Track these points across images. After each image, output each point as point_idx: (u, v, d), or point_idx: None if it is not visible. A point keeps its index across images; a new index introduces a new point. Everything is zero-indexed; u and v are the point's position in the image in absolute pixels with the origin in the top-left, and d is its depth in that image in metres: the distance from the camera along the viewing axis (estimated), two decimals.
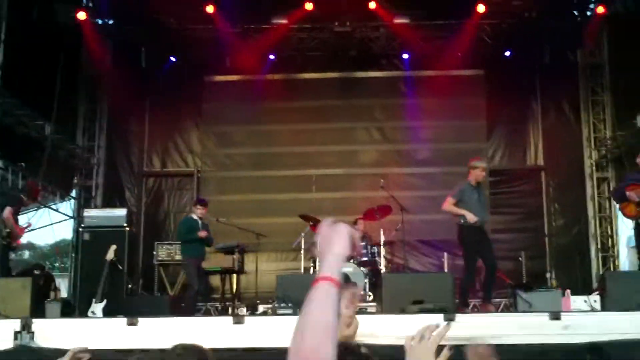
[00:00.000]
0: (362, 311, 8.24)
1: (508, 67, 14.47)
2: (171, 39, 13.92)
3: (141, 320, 5.99)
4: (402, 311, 6.49)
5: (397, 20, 13.73)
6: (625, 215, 9.23)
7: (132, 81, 14.06)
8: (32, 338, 5.75)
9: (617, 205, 10.05)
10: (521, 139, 14.65)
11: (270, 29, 13.87)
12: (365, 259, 10.83)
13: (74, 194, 14.29)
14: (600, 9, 13.38)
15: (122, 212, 12.29)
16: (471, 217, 8.69)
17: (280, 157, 14.45)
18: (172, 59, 14.40)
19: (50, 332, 5.85)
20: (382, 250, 11.21)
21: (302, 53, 14.57)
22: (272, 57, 14.46)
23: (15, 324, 5.88)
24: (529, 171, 14.62)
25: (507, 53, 14.45)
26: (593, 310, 8.13)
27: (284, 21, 13.71)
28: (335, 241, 1.81)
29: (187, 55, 14.37)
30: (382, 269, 10.97)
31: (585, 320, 5.91)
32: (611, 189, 13.68)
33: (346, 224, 1.86)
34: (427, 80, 14.62)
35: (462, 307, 8.51)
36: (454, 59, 14.22)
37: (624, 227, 13.14)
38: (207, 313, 10.84)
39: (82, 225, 12.12)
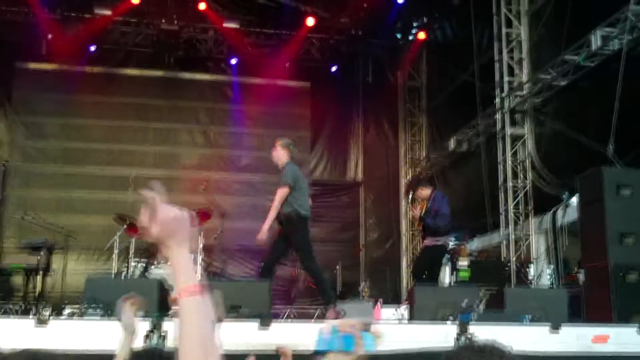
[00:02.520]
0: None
1: (334, 82, 14.79)
2: None
3: None
4: (218, 318, 6.26)
5: (227, 25, 13.63)
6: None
7: None
8: None
9: None
10: (343, 152, 15.04)
11: (92, 19, 13.15)
12: None
13: None
14: (422, 35, 14.19)
15: None
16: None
17: (96, 154, 13.73)
18: None
19: None
20: (200, 256, 10.88)
21: (125, 47, 13.99)
22: (92, 48, 13.74)
23: None
24: (349, 185, 14.99)
25: (334, 68, 14.78)
26: (401, 320, 8.40)
27: (108, 12, 13.08)
28: (182, 236, 1.55)
29: None
30: (198, 275, 10.64)
31: (393, 330, 6.05)
32: None
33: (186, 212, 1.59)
34: (254, 87, 14.59)
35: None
36: (281, 69, 14.34)
37: None
38: (7, 313, 9.91)
39: None
